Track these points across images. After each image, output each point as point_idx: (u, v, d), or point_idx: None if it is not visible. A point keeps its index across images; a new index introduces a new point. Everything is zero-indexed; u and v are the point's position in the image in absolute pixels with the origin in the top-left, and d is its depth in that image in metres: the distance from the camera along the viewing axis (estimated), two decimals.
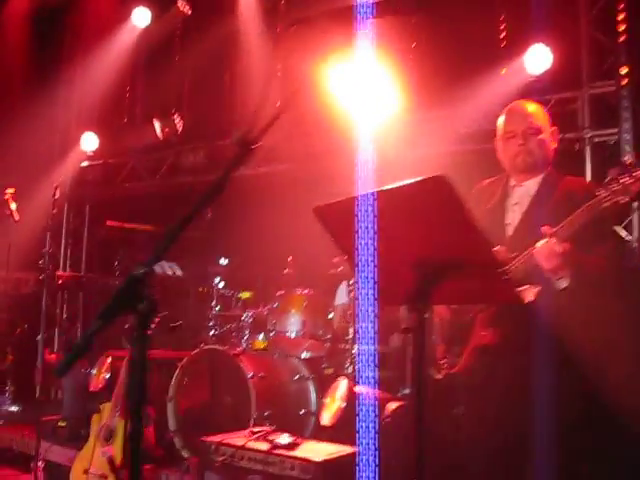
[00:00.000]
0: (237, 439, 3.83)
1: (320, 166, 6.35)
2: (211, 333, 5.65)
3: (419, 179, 1.99)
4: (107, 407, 4.79)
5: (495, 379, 3.09)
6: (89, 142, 8.00)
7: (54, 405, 7.44)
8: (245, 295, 5.80)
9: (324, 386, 4.98)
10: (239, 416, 4.77)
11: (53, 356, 6.60)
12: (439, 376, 3.37)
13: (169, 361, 5.36)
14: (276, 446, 3.60)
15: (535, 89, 5.16)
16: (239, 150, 1.72)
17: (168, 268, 6.41)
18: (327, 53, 2.16)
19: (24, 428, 6.27)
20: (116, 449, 4.54)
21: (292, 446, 3.62)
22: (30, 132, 7.82)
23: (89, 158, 8.20)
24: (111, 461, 4.43)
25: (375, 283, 2.51)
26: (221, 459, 3.72)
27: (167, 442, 5.06)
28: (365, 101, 5.74)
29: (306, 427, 4.90)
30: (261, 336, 5.30)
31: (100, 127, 8.04)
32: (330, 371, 5.03)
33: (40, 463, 5.16)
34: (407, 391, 4.76)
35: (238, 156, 1.72)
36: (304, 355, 5.12)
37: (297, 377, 5.05)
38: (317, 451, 3.56)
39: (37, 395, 8.18)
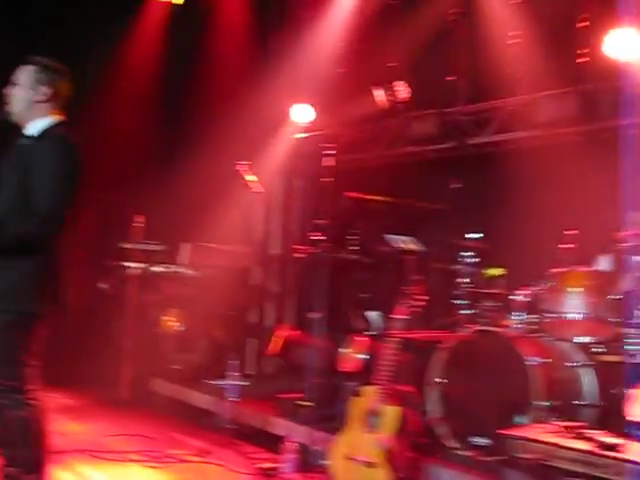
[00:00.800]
0: (544, 434, 3.40)
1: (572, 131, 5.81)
2: (463, 312, 5.25)
3: None
4: (369, 390, 4.51)
5: None
6: (303, 114, 7.82)
7: (266, 380, 7.33)
8: (495, 272, 5.35)
9: (602, 374, 4.48)
10: (511, 405, 4.35)
11: (288, 333, 6.42)
12: None
13: (425, 342, 5.01)
14: (602, 445, 3.14)
15: None
16: None
17: (405, 242, 6.08)
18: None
19: (255, 404, 6.12)
20: (389, 437, 4.24)
21: (619, 446, 3.15)
22: (250, 106, 7.74)
23: (305, 130, 7.98)
24: (387, 450, 4.13)
25: None
26: (530, 457, 3.30)
27: (427, 429, 4.73)
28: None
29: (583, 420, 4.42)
30: (523, 317, 4.83)
31: (315, 98, 7.82)
32: (612, 358, 4.49)
33: (292, 444, 4.96)
34: None
35: None
36: (580, 339, 4.61)
37: (572, 363, 4.56)
38: None
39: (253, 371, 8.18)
